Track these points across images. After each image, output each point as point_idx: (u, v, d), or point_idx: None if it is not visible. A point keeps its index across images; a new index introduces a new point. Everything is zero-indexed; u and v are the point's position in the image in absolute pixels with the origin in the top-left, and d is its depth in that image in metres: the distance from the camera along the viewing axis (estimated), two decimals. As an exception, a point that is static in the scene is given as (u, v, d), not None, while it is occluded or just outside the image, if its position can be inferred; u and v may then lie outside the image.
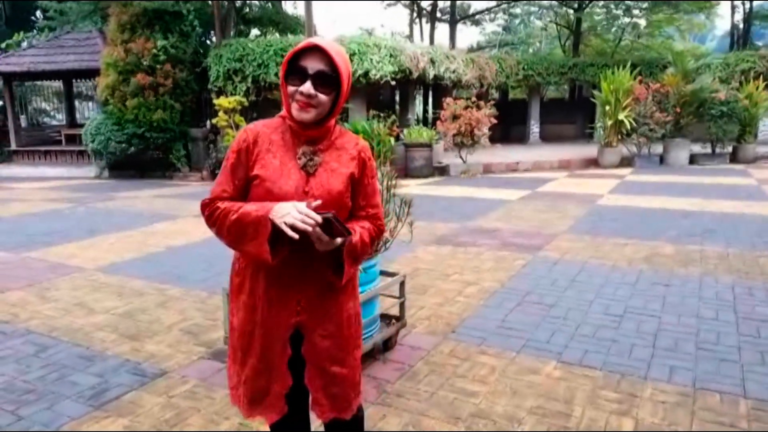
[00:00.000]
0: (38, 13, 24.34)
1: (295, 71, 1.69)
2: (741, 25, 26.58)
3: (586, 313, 4.20)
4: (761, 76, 15.73)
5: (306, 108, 1.70)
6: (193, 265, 5.74)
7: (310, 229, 1.59)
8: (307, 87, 1.67)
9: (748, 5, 25.96)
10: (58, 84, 19.15)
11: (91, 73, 15.13)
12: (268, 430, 2.08)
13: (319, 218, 1.59)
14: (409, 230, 3.62)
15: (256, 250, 1.68)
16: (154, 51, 13.29)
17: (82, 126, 15.35)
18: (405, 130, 13.22)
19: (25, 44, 17.66)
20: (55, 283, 5.24)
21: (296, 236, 1.59)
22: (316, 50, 1.68)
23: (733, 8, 26.60)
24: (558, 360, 3.45)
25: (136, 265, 5.81)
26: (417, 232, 3.86)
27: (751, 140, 14.72)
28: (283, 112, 1.80)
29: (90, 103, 20.76)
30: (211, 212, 1.75)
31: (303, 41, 1.72)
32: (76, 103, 19.98)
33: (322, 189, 1.74)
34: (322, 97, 1.69)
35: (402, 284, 3.71)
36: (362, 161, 1.84)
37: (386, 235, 3.54)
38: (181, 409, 2.93)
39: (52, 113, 22.10)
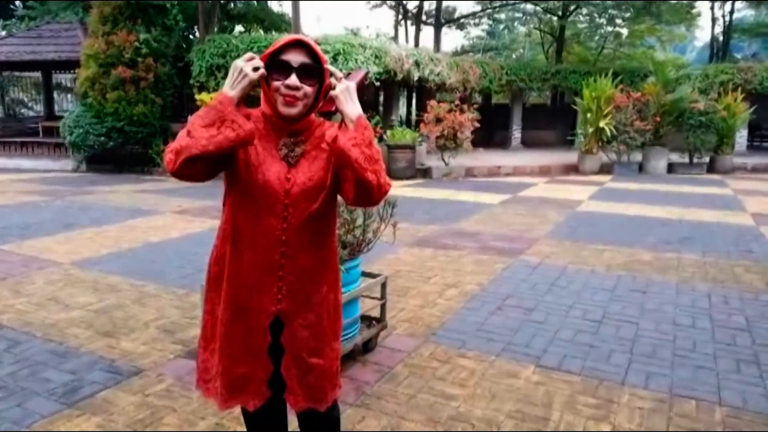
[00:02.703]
0: (18, 2, 23.91)
1: (278, 66, 1.71)
2: (720, 38, 27.06)
3: (565, 318, 4.23)
4: (739, 88, 16.00)
5: (293, 102, 1.72)
6: (170, 262, 5.67)
7: (258, 65, 1.65)
8: (293, 79, 1.69)
9: (728, 18, 26.44)
10: (36, 75, 18.80)
11: (71, 65, 14.87)
12: (245, 430, 2.05)
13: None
14: (392, 232, 3.60)
15: (233, 127, 1.61)
16: (136, 44, 13.09)
17: (60, 118, 15.04)
18: (388, 132, 13.21)
19: (3, 33, 17.34)
20: (29, 277, 5.14)
21: (257, 64, 1.64)
22: (298, 45, 1.72)
23: (714, 21, 27.09)
24: (537, 364, 3.46)
25: (113, 260, 5.72)
26: (399, 234, 3.84)
27: (728, 151, 14.96)
28: (263, 107, 1.80)
29: (69, 95, 20.41)
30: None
31: (284, 38, 1.74)
32: (55, 94, 19.64)
33: (304, 177, 1.76)
34: (308, 88, 1.72)
35: (383, 286, 3.69)
36: None
37: (369, 235, 3.52)
38: (156, 408, 2.88)
39: (30, 104, 21.71)
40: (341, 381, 2.02)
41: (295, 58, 1.70)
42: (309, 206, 1.75)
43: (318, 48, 1.73)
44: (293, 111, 1.73)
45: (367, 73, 1.88)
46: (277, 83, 1.71)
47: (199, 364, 1.94)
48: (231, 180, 1.78)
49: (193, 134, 1.61)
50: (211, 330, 1.89)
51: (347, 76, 1.76)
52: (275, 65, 1.70)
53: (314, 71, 1.72)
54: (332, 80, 1.69)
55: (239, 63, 1.64)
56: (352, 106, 1.67)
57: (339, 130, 1.67)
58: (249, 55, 1.67)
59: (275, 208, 1.74)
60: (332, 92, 1.68)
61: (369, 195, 1.69)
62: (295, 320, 1.82)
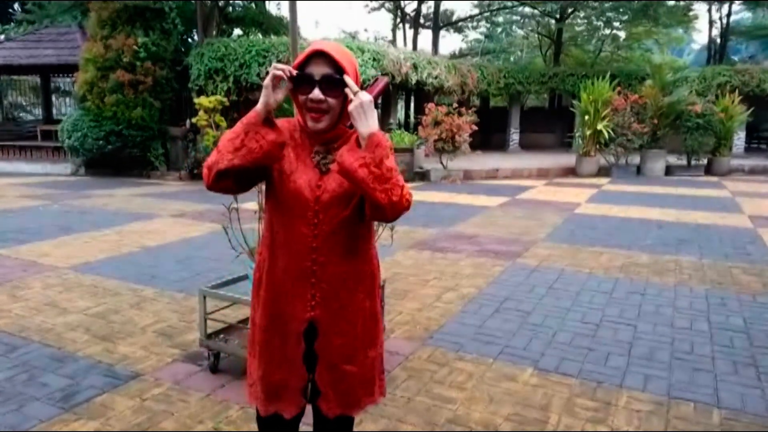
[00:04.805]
0: (16, 6, 23.92)
1: (302, 80, 1.70)
2: (718, 40, 27.13)
3: (563, 321, 4.23)
4: (737, 90, 16.04)
5: (319, 118, 1.72)
6: (168, 266, 5.67)
7: (282, 74, 1.65)
8: (316, 93, 1.69)
9: (725, 21, 26.52)
10: (35, 79, 18.80)
11: (70, 69, 14.86)
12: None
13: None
14: (390, 234, 3.61)
15: (256, 138, 1.66)
16: (135, 48, 13.09)
17: (58, 122, 15.02)
18: (386, 135, 13.20)
19: (2, 38, 17.35)
20: (27, 281, 5.13)
21: (281, 73, 1.65)
22: (320, 55, 1.70)
23: (711, 23, 27.16)
24: (535, 367, 3.46)
25: (111, 264, 5.72)
26: (397, 237, 3.86)
27: (725, 153, 14.97)
28: (297, 117, 1.81)
29: (67, 99, 20.39)
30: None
31: (307, 48, 1.71)
32: (53, 98, 19.63)
33: (335, 184, 1.75)
34: (332, 101, 1.71)
35: (381, 289, 3.68)
36: None
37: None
38: (153, 413, 2.88)
39: (28, 108, 21.70)
40: (385, 390, 2.01)
41: (318, 70, 1.69)
42: (339, 213, 1.75)
43: (341, 58, 1.70)
44: (319, 126, 1.73)
45: (387, 83, 1.90)
46: (302, 97, 1.71)
47: (248, 369, 1.96)
48: (268, 188, 1.82)
49: (221, 149, 1.66)
50: (253, 335, 1.91)
51: (373, 83, 1.78)
52: (300, 79, 1.70)
53: (338, 81, 1.69)
54: (349, 93, 1.66)
55: (266, 80, 1.67)
56: (364, 123, 1.64)
57: (348, 150, 1.65)
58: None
59: (306, 214, 1.74)
60: (348, 108, 1.65)
61: (382, 214, 1.67)
62: (329, 328, 1.81)
